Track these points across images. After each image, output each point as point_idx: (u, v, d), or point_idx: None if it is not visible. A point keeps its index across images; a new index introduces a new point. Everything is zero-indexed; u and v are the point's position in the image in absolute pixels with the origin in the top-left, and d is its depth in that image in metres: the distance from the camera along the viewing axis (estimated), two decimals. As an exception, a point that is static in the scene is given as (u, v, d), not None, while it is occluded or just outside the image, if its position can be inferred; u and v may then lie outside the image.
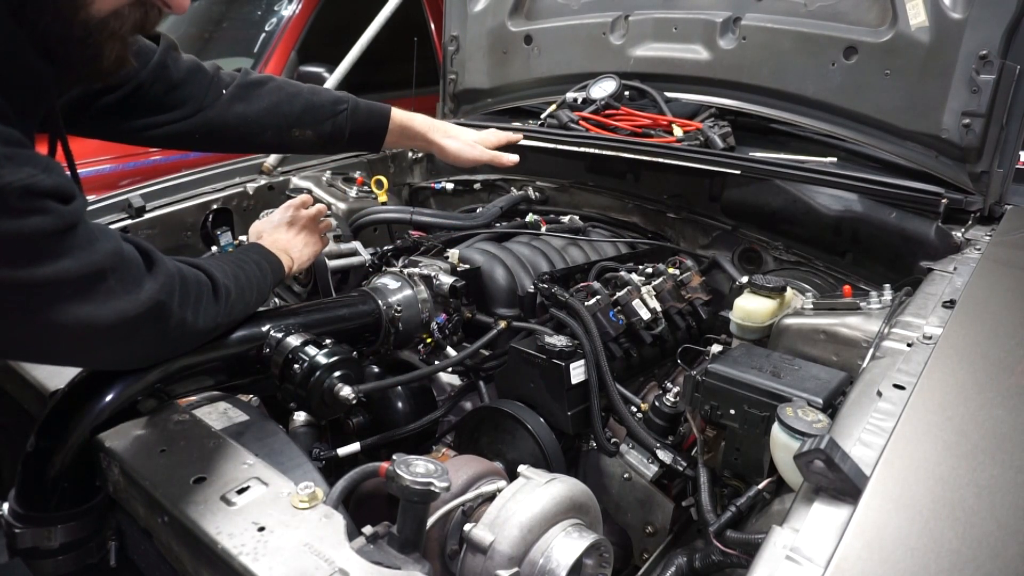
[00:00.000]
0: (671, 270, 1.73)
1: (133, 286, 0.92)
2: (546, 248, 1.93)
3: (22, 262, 0.77)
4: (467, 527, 1.03)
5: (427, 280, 1.64)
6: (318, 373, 1.24)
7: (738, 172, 1.92)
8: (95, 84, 1.14)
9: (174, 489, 0.94)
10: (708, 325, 1.73)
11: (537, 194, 2.49)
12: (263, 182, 2.26)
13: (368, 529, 0.95)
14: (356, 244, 1.90)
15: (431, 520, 0.99)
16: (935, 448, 0.81)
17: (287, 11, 3.78)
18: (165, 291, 0.96)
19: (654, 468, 1.37)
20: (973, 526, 0.68)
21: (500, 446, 1.42)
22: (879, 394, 0.92)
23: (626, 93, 2.25)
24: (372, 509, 1.15)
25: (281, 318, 1.33)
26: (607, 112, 2.19)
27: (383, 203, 2.25)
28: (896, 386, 0.94)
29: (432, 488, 0.87)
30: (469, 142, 1.67)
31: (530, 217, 2.18)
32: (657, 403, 1.43)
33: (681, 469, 1.33)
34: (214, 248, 1.93)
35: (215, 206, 2.10)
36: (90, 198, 1.75)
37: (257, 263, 1.30)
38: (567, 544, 1.01)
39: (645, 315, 1.55)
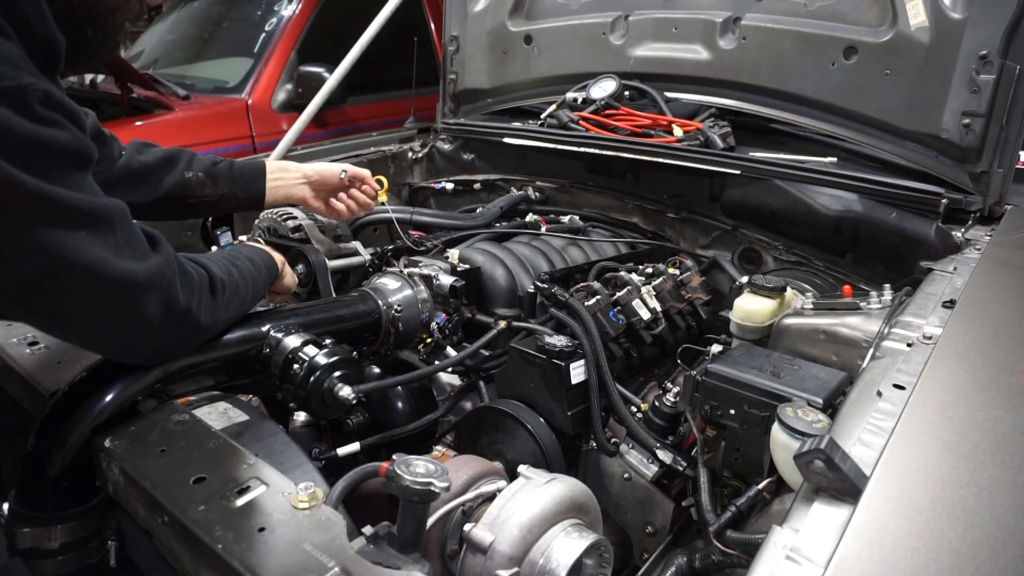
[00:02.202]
0: (671, 270, 1.73)
1: (140, 251, 0.90)
2: (546, 248, 1.93)
3: (36, 168, 0.74)
4: (467, 527, 1.03)
5: (427, 280, 1.64)
6: (318, 373, 1.24)
7: (738, 172, 1.92)
8: (89, 66, 1.15)
9: (174, 489, 0.94)
10: (708, 325, 1.73)
11: (537, 194, 2.49)
12: (263, 182, 2.25)
13: (368, 529, 0.95)
14: (356, 244, 1.90)
15: (431, 520, 0.99)
16: (935, 448, 0.81)
17: (287, 11, 3.77)
18: (170, 270, 0.95)
19: (654, 468, 1.37)
20: (973, 526, 0.68)
21: (500, 446, 1.42)
22: (879, 394, 0.92)
23: (626, 93, 2.25)
24: (372, 509, 1.15)
25: (281, 318, 1.33)
26: (607, 112, 2.19)
27: (383, 203, 2.25)
28: (896, 386, 0.94)
29: (432, 488, 0.87)
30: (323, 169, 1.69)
31: (530, 217, 2.18)
32: (657, 403, 1.43)
33: (681, 469, 1.33)
34: (214, 248, 1.93)
35: (215, 206, 2.10)
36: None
37: (250, 259, 1.30)
38: (567, 544, 1.01)
39: (645, 315, 1.55)
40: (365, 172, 1.69)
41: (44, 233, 0.77)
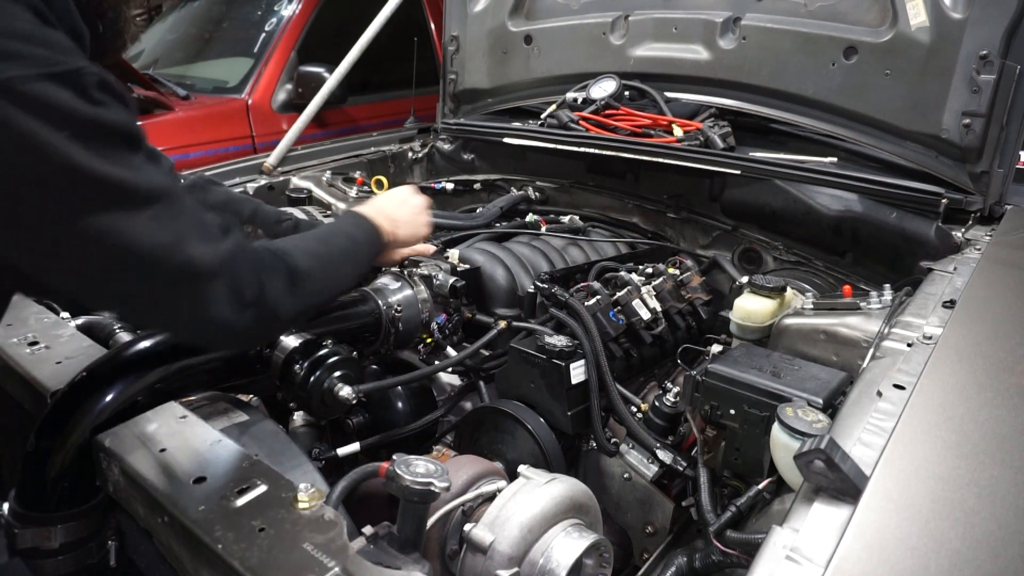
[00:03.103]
0: (671, 270, 1.73)
1: (206, 237, 0.85)
2: (546, 248, 1.93)
3: (97, 150, 0.72)
4: (467, 527, 1.03)
5: (427, 280, 1.64)
6: (318, 373, 1.24)
7: (738, 172, 1.92)
8: (105, 59, 1.13)
9: (174, 489, 0.94)
10: (708, 325, 1.73)
11: (537, 194, 2.49)
12: (263, 182, 2.26)
13: (368, 529, 0.95)
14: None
15: (431, 520, 0.99)
16: (935, 448, 0.81)
17: (287, 11, 3.78)
18: (240, 258, 0.90)
19: (654, 468, 1.37)
20: (973, 526, 0.68)
21: (500, 446, 1.42)
22: (879, 394, 0.92)
23: (626, 93, 2.25)
24: (372, 509, 1.15)
25: (281, 318, 1.33)
26: (607, 112, 2.19)
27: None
28: (896, 386, 0.94)
29: (432, 488, 0.87)
30: None
31: (530, 217, 2.18)
32: (657, 403, 1.43)
33: (681, 469, 1.33)
34: None
35: (215, 206, 2.10)
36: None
37: (349, 235, 1.22)
38: (567, 544, 1.01)
39: (645, 315, 1.55)
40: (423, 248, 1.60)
41: (107, 216, 0.74)
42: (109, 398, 1.07)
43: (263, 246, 1.03)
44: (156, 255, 0.79)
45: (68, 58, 0.69)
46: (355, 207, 1.39)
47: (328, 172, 2.41)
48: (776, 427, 1.00)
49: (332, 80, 2.59)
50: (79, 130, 0.69)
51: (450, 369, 1.58)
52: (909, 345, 1.07)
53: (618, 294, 1.56)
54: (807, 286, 1.80)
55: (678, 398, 1.41)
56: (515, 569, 0.98)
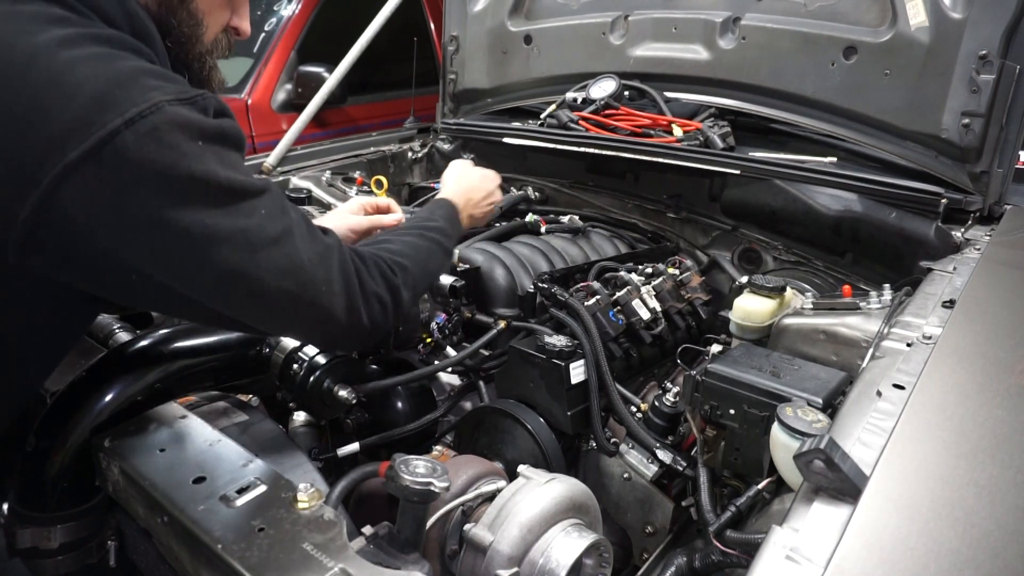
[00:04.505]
0: (671, 270, 1.73)
1: (316, 236, 0.92)
2: (546, 248, 1.93)
3: (220, 155, 0.80)
4: (467, 527, 1.03)
5: (427, 280, 1.64)
6: (317, 373, 1.24)
7: (738, 172, 1.92)
8: None
9: (174, 489, 0.94)
10: (708, 325, 1.73)
11: (537, 194, 2.49)
12: (263, 182, 2.25)
13: (368, 529, 0.95)
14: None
15: (431, 520, 0.99)
16: (935, 448, 0.81)
17: (287, 11, 3.77)
18: (343, 255, 0.95)
19: (654, 468, 1.37)
20: (973, 526, 0.68)
21: (500, 446, 1.42)
22: (879, 394, 0.92)
23: (626, 93, 2.25)
24: (372, 509, 1.15)
25: (281, 318, 1.33)
26: (607, 112, 2.19)
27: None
28: (896, 386, 0.94)
29: (432, 488, 0.87)
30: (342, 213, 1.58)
31: (530, 217, 2.18)
32: (657, 403, 1.43)
33: (681, 469, 1.33)
34: None
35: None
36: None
37: (440, 230, 1.26)
38: (567, 544, 1.01)
39: (645, 315, 1.55)
40: (379, 200, 1.56)
41: (233, 219, 0.81)
42: (109, 398, 1.08)
43: (364, 244, 1.08)
44: (289, 254, 0.86)
45: (191, 88, 0.82)
46: (442, 192, 1.43)
47: (328, 172, 2.41)
48: (776, 427, 1.00)
49: (332, 80, 2.58)
50: (208, 140, 0.79)
51: (450, 369, 1.58)
52: (909, 345, 1.07)
53: (618, 294, 1.56)
54: (807, 286, 1.80)
55: (678, 398, 1.41)
56: (515, 569, 0.98)
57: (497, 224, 2.15)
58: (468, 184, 1.48)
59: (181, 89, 0.79)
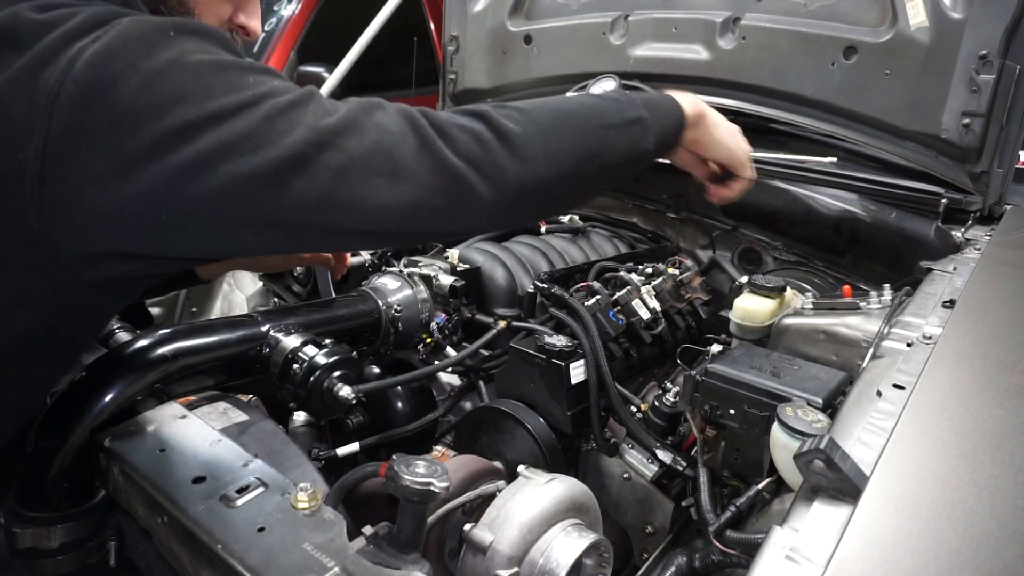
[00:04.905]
0: (671, 270, 1.73)
1: (333, 107, 0.77)
2: (546, 248, 1.93)
3: (207, 48, 0.74)
4: (467, 527, 1.03)
5: (427, 280, 1.64)
6: (318, 373, 1.24)
7: (738, 172, 1.92)
8: None
9: (174, 489, 0.94)
10: (708, 325, 1.73)
11: (537, 194, 2.49)
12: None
13: (368, 529, 0.95)
14: (356, 244, 1.90)
15: (431, 520, 0.99)
16: (935, 448, 0.81)
17: (287, 11, 3.78)
18: (413, 114, 0.79)
19: (654, 468, 1.37)
20: (973, 526, 0.68)
21: (500, 446, 1.42)
22: (879, 394, 0.92)
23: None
24: (372, 509, 1.15)
25: (280, 318, 1.33)
26: (607, 112, 2.19)
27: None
28: (896, 386, 0.94)
29: (432, 488, 0.87)
30: None
31: (530, 217, 2.18)
32: (657, 403, 1.43)
33: (681, 469, 1.33)
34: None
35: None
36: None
37: (615, 99, 0.99)
38: (567, 544, 1.01)
39: (645, 315, 1.55)
40: None
41: (296, 113, 0.73)
42: (109, 398, 1.07)
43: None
44: (309, 136, 0.73)
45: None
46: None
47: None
48: (776, 427, 1.00)
49: (332, 80, 2.59)
50: (182, 32, 0.72)
51: (450, 369, 1.58)
52: (909, 345, 1.07)
53: (618, 294, 1.56)
54: (807, 286, 1.80)
55: (678, 398, 1.41)
56: (515, 569, 0.98)
57: (497, 224, 2.15)
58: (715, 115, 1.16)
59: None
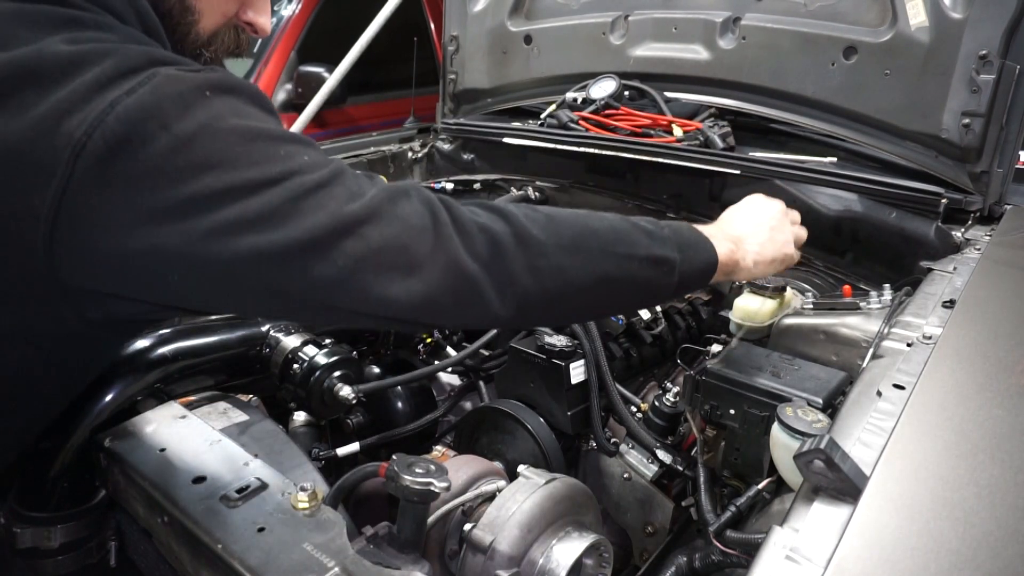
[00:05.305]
0: (671, 270, 1.72)
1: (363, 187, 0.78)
2: (546, 248, 1.92)
3: (243, 111, 0.74)
4: (467, 527, 1.03)
5: (427, 280, 1.64)
6: (318, 373, 1.24)
7: (738, 172, 1.92)
8: None
9: (174, 489, 0.94)
10: (708, 325, 1.73)
11: (537, 194, 2.49)
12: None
13: (368, 529, 0.95)
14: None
15: (431, 520, 0.99)
16: (935, 448, 0.81)
17: (287, 11, 3.78)
18: (435, 203, 0.79)
19: (654, 468, 1.37)
20: (973, 526, 0.68)
21: (500, 446, 1.42)
22: (879, 394, 0.92)
23: (626, 93, 2.25)
24: (372, 509, 1.15)
25: (281, 318, 1.33)
26: (607, 112, 2.19)
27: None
28: (896, 386, 0.94)
29: (432, 488, 0.87)
30: None
31: (530, 217, 2.18)
32: (657, 403, 1.43)
33: (681, 469, 1.33)
34: None
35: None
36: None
37: (647, 232, 0.94)
38: (567, 544, 1.01)
39: (645, 315, 1.55)
40: None
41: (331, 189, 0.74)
42: (109, 398, 1.08)
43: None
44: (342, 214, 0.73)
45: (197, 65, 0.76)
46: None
47: (328, 172, 2.40)
48: (776, 427, 1.00)
49: (332, 80, 2.59)
50: (217, 91, 0.72)
51: (450, 369, 1.58)
52: (909, 345, 1.07)
53: (618, 294, 1.56)
54: (807, 286, 1.79)
55: (678, 398, 1.41)
56: (515, 569, 0.98)
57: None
58: (749, 214, 1.11)
59: (185, 65, 0.73)
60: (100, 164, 0.66)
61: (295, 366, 1.24)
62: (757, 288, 1.41)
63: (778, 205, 1.17)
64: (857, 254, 1.92)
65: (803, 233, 1.18)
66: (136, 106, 0.66)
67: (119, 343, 1.11)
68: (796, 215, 1.19)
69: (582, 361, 1.41)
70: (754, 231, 1.10)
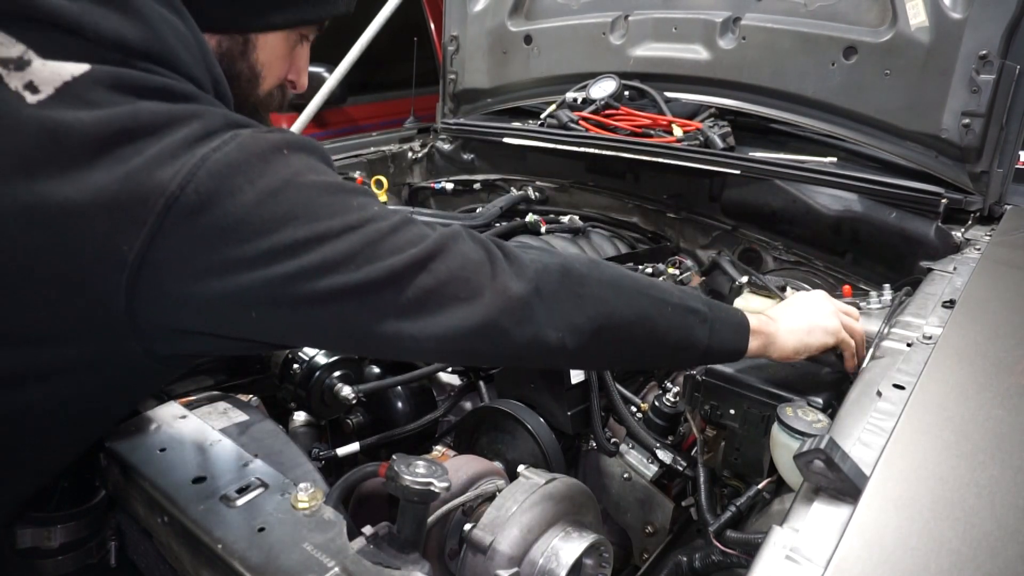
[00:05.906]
0: (671, 270, 1.73)
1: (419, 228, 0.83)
2: (546, 248, 1.93)
3: (318, 168, 0.80)
4: (467, 527, 1.03)
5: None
6: (318, 373, 1.24)
7: (738, 172, 1.92)
8: None
9: (174, 489, 0.94)
10: (708, 325, 1.73)
11: (537, 194, 2.49)
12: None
13: (368, 529, 0.95)
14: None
15: (431, 520, 0.99)
16: (935, 448, 0.81)
17: (287, 11, 3.77)
18: (457, 236, 0.85)
19: (654, 468, 1.37)
20: (973, 526, 0.68)
21: (500, 446, 1.42)
22: (879, 394, 0.92)
23: (626, 93, 2.25)
24: (372, 509, 1.15)
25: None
26: (607, 112, 2.19)
27: (383, 203, 2.25)
28: (896, 386, 0.94)
29: (432, 488, 0.87)
30: None
31: (530, 217, 2.18)
32: (657, 403, 1.43)
33: (681, 469, 1.33)
34: None
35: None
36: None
37: (674, 286, 1.03)
38: (567, 544, 1.01)
39: (645, 315, 1.55)
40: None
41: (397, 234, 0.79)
42: (109, 398, 1.07)
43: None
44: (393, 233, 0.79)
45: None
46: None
47: (328, 172, 2.40)
48: (776, 427, 1.00)
49: (332, 80, 2.59)
50: (294, 150, 0.79)
51: (450, 369, 1.58)
52: (909, 345, 1.07)
53: (618, 294, 1.56)
54: (807, 286, 1.80)
55: (678, 398, 1.41)
56: (515, 569, 0.98)
57: (497, 224, 2.15)
58: (797, 307, 1.15)
59: (258, 127, 0.79)
60: (192, 216, 0.70)
61: (295, 366, 1.24)
62: (757, 288, 1.42)
63: (821, 294, 1.20)
64: (857, 254, 1.93)
65: (854, 312, 1.20)
66: (225, 162, 0.72)
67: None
68: (853, 310, 1.21)
69: (582, 361, 1.40)
70: (789, 311, 1.14)
